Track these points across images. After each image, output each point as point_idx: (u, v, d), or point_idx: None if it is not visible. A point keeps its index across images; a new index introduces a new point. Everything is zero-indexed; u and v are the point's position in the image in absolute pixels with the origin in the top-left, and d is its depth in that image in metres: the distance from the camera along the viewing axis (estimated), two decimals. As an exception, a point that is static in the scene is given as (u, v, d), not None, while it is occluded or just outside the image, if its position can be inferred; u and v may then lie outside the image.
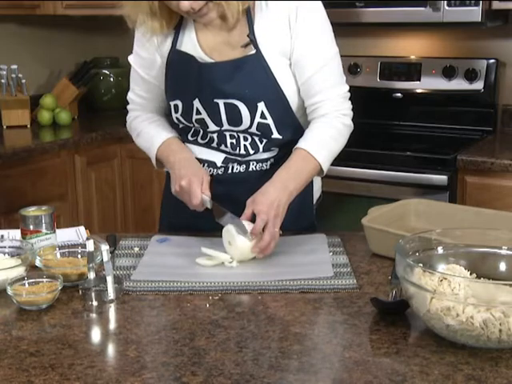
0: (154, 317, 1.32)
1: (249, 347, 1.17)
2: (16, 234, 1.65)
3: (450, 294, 1.15)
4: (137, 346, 1.19)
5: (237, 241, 1.54)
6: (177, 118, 1.75)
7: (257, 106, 1.67)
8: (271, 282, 1.44)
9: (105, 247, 1.36)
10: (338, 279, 1.45)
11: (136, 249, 1.66)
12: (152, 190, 3.38)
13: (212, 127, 1.72)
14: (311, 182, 1.77)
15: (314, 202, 1.86)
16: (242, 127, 1.70)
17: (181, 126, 1.77)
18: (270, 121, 1.68)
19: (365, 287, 1.42)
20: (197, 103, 1.70)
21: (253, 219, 1.56)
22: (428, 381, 1.06)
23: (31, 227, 1.57)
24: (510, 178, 2.60)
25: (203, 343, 1.19)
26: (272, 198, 1.56)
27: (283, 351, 1.16)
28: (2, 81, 3.32)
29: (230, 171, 1.76)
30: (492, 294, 1.15)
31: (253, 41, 1.64)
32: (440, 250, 1.35)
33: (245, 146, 1.73)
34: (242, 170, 1.76)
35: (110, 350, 1.22)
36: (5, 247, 1.56)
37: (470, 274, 1.28)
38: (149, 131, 1.80)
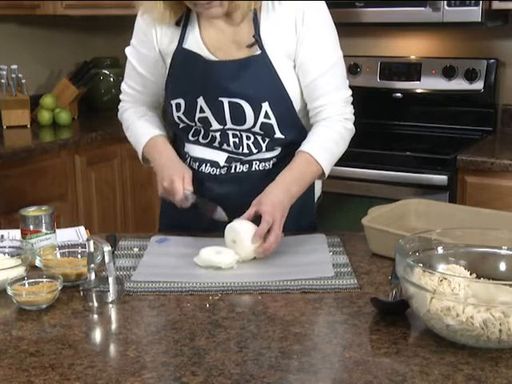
0: (153, 317, 1.32)
1: (249, 347, 1.17)
2: (16, 233, 1.65)
3: (450, 294, 1.15)
4: (137, 346, 1.19)
5: (244, 239, 1.54)
6: (178, 117, 1.75)
7: (261, 106, 1.67)
8: (271, 282, 1.44)
9: (107, 248, 1.36)
10: (338, 279, 1.45)
11: (135, 249, 1.66)
12: (152, 190, 3.37)
13: (215, 126, 1.72)
14: (313, 183, 1.77)
15: (315, 201, 1.86)
16: (246, 126, 1.70)
17: (181, 125, 1.77)
18: (273, 121, 1.69)
19: (365, 287, 1.42)
20: (201, 101, 1.70)
21: (253, 219, 1.56)
22: (428, 381, 1.06)
23: (31, 227, 1.57)
24: (509, 177, 2.60)
25: (203, 343, 1.19)
26: (278, 200, 1.57)
27: (283, 351, 1.16)
28: (2, 81, 3.32)
29: (232, 171, 1.76)
30: (492, 294, 1.15)
31: (258, 41, 1.65)
32: (440, 250, 1.35)
33: (248, 145, 1.73)
34: (244, 170, 1.76)
35: (110, 349, 1.22)
36: (5, 247, 1.56)
37: (470, 274, 1.28)
38: (137, 127, 1.83)
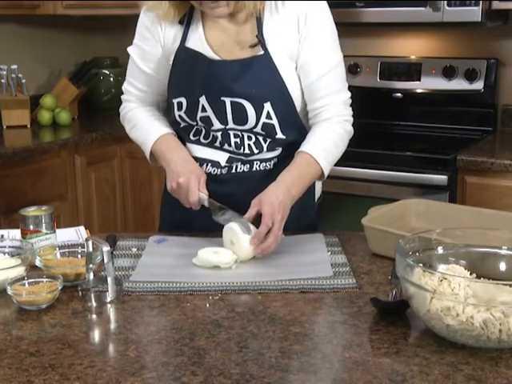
0: (153, 317, 1.32)
1: (249, 347, 1.17)
2: (16, 233, 1.65)
3: (450, 294, 1.15)
4: (137, 346, 1.19)
5: (241, 240, 1.54)
6: (179, 116, 1.75)
7: (263, 106, 1.67)
8: (271, 282, 1.44)
9: (106, 248, 1.36)
10: (337, 279, 1.45)
11: (134, 249, 1.65)
12: (152, 190, 3.38)
13: (217, 125, 1.72)
14: (313, 182, 1.77)
15: (315, 201, 1.86)
16: (247, 126, 1.70)
17: (182, 124, 1.77)
18: (275, 121, 1.69)
19: (365, 287, 1.42)
20: (203, 100, 1.70)
21: (254, 219, 1.56)
22: (428, 381, 1.06)
23: (31, 227, 1.57)
24: (509, 177, 2.60)
25: (203, 343, 1.19)
26: (278, 201, 1.56)
27: (283, 351, 1.16)
28: (2, 81, 3.32)
29: (233, 171, 1.76)
30: (492, 293, 1.15)
31: (261, 41, 1.65)
32: (440, 249, 1.35)
33: (249, 145, 1.73)
34: (245, 170, 1.76)
35: (110, 349, 1.22)
36: (5, 247, 1.56)
37: (470, 274, 1.28)
38: (145, 124, 1.80)
